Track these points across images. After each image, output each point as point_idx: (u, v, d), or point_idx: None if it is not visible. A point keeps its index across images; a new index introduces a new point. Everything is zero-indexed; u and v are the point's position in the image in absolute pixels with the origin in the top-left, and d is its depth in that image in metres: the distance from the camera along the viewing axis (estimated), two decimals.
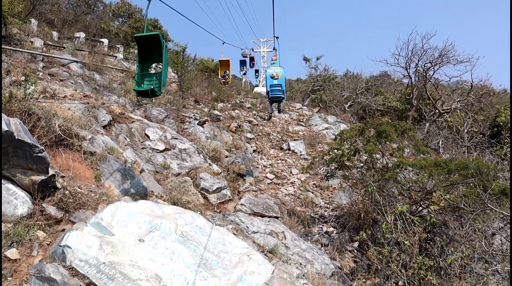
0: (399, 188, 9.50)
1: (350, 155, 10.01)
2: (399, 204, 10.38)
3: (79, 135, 8.87)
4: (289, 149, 18.36)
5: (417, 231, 7.80)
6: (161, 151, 11.37)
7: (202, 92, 23.83)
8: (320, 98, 32.32)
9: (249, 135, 18.45)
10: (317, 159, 11.85)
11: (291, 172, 15.78)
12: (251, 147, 17.43)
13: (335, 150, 11.21)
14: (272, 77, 13.02)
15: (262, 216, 10.21)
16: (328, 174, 11.44)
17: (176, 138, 12.01)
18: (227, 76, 20.60)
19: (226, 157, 13.42)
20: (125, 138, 11.06)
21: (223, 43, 17.29)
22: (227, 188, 11.18)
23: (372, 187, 9.07)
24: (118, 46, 30.70)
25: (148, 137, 11.70)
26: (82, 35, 26.65)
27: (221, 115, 20.30)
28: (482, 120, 23.79)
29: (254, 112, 23.60)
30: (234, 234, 8.35)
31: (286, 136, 20.06)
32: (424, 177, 8.32)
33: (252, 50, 41.28)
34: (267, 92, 17.66)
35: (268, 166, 16.10)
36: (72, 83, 14.52)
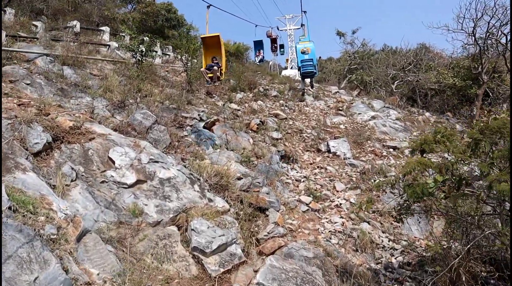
0: None
1: (452, 190, 5.51)
2: None
3: None
4: (329, 151, 13.87)
5: None
6: (131, 186, 7.21)
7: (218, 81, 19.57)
8: (360, 79, 27.35)
9: (275, 135, 14.07)
10: (383, 187, 7.33)
11: (334, 187, 11.35)
12: (278, 151, 13.06)
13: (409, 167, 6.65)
14: (303, 53, 12.10)
15: None
16: (402, 211, 6.93)
17: (157, 161, 7.80)
18: (217, 67, 12.69)
19: (239, 179, 9.13)
20: (72, 169, 6.96)
21: (208, 7, 11.78)
22: (237, 241, 6.91)
23: None
24: (124, 34, 26.79)
25: (114, 162, 7.56)
26: (77, 24, 22.85)
27: (239, 110, 16.01)
28: None
29: (281, 101, 19.11)
30: None
31: (324, 132, 15.53)
32: None
33: (278, 28, 36.46)
34: (299, 68, 14.37)
35: (302, 180, 11.73)
36: (27, 84, 10.63)
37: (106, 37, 22.91)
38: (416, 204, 7.51)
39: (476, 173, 7.39)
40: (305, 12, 18.45)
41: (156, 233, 6.65)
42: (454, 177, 5.41)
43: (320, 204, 10.29)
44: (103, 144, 7.89)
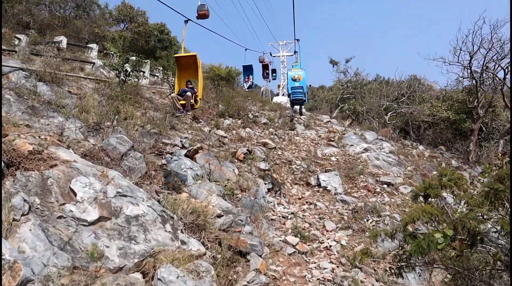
0: None
1: (465, 247, 4.69)
2: None
3: None
4: (319, 185, 13.03)
5: None
6: (92, 223, 6.24)
7: (206, 105, 18.81)
8: (353, 109, 26.81)
9: (262, 165, 13.20)
10: (381, 236, 6.43)
11: (324, 227, 10.46)
12: (265, 184, 12.20)
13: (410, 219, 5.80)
14: (294, 79, 11.92)
15: None
16: (402, 264, 6.04)
17: (125, 195, 6.86)
18: (191, 93, 10.07)
19: (219, 216, 8.20)
20: (25, 201, 6.00)
21: (186, 22, 8.77)
22: None
23: None
24: (112, 52, 26.15)
25: (75, 194, 6.61)
26: (63, 39, 22.11)
27: (226, 137, 15.18)
28: None
29: (271, 129, 18.35)
30: None
31: (314, 164, 14.72)
32: None
33: (271, 54, 35.94)
34: (289, 95, 14.21)
35: (289, 217, 10.83)
36: None
37: (94, 54, 22.21)
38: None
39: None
40: (298, 40, 17.99)
41: (116, 281, 5.66)
42: (467, 234, 4.58)
43: (308, 245, 9.37)
44: (66, 173, 6.95)
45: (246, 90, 20.96)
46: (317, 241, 9.65)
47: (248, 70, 19.17)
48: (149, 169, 9.45)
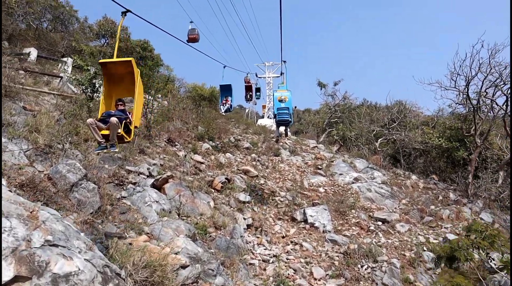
0: None
1: None
2: None
3: None
4: (305, 221, 11.54)
5: None
6: None
7: (184, 127, 17.34)
8: (341, 134, 25.52)
9: (242, 197, 11.70)
10: None
11: (311, 274, 8.92)
12: (244, 219, 10.68)
13: None
14: (280, 101, 11.61)
15: None
16: None
17: (55, 244, 5.24)
18: (117, 119, 6.68)
19: (184, 267, 6.63)
20: None
21: (124, 14, 6.56)
22: None
23: None
24: (89, 67, 24.64)
25: None
26: (33, 51, 20.61)
27: (203, 163, 13.65)
28: None
29: (253, 155, 16.87)
30: None
31: (301, 196, 13.24)
32: None
33: (256, 75, 34.76)
34: (274, 115, 13.27)
35: (270, 260, 9.26)
36: None
37: (68, 69, 20.82)
38: None
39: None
40: (284, 61, 16.81)
41: None
42: None
43: None
44: None
45: (223, 113, 19.11)
46: None
47: (226, 90, 17.46)
48: (104, 203, 7.85)
